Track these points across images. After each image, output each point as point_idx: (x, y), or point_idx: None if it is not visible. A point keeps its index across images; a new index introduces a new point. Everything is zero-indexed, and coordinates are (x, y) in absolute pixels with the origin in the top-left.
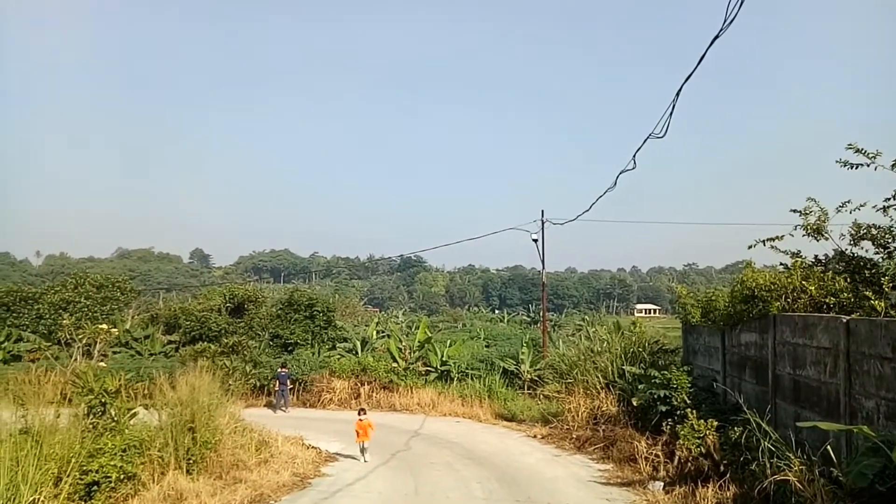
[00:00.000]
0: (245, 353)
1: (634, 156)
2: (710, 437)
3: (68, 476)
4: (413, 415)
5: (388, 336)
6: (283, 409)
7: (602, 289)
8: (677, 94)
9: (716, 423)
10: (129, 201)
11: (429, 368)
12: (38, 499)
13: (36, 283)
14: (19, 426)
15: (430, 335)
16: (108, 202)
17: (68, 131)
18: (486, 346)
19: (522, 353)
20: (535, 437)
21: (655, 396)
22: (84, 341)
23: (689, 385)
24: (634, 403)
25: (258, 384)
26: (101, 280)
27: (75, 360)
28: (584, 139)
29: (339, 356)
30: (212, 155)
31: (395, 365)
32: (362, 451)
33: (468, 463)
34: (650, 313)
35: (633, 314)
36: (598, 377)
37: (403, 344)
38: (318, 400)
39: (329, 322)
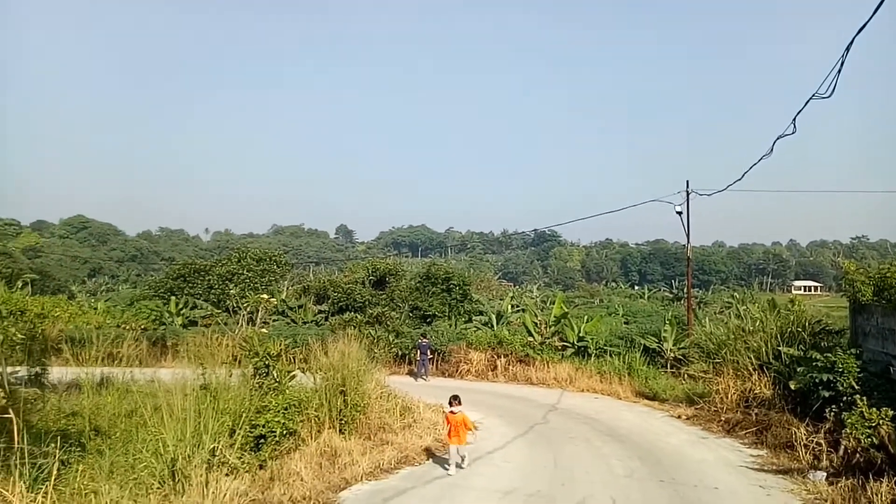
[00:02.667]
0: (388, 323)
1: (795, 119)
2: (885, 427)
3: (240, 429)
4: (549, 389)
5: (523, 310)
6: (424, 377)
7: (754, 264)
8: (847, 50)
9: (891, 413)
10: (281, 182)
11: (565, 344)
12: (217, 447)
13: (205, 256)
14: (199, 383)
15: (565, 310)
16: (264, 183)
17: (227, 118)
18: (626, 323)
19: (665, 330)
20: (678, 417)
21: (817, 380)
22: (248, 309)
23: (858, 370)
24: (792, 387)
25: (400, 353)
26: (260, 254)
27: (241, 326)
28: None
29: (475, 329)
30: (353, 136)
31: (530, 339)
32: (458, 458)
33: (608, 440)
34: (810, 291)
35: (790, 291)
36: (749, 358)
37: (539, 318)
38: (457, 370)
39: (465, 295)
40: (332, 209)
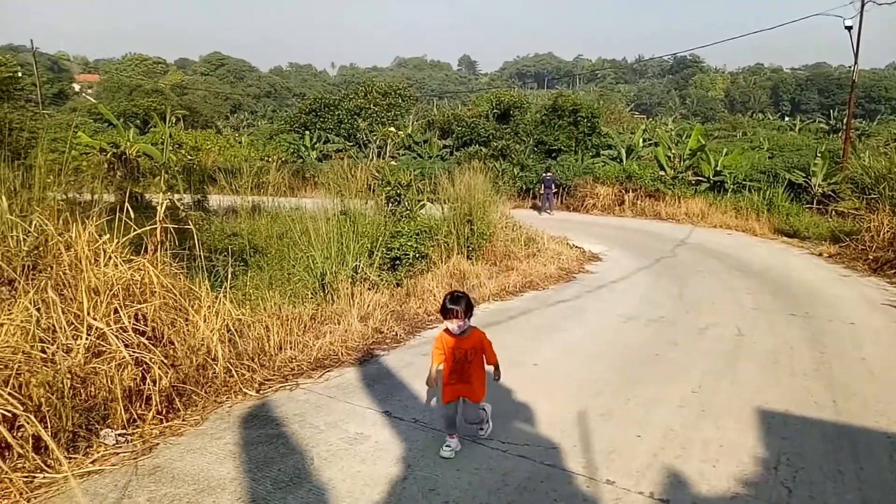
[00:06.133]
0: (512, 156)
1: None
2: None
3: (377, 251)
4: (679, 224)
5: (656, 144)
6: (548, 211)
7: None
8: None
9: None
10: (404, 10)
11: (700, 178)
12: (359, 265)
13: (333, 91)
14: (339, 209)
15: (703, 143)
16: (385, 14)
17: None
18: (770, 157)
19: (815, 164)
20: (819, 255)
21: None
22: (377, 142)
23: None
24: None
25: (524, 187)
26: (385, 88)
27: (371, 159)
28: None
29: (602, 163)
30: None
31: (662, 173)
32: (466, 423)
33: (738, 274)
34: None
35: None
36: None
37: (672, 152)
38: (582, 205)
39: (593, 128)
40: (454, 38)
